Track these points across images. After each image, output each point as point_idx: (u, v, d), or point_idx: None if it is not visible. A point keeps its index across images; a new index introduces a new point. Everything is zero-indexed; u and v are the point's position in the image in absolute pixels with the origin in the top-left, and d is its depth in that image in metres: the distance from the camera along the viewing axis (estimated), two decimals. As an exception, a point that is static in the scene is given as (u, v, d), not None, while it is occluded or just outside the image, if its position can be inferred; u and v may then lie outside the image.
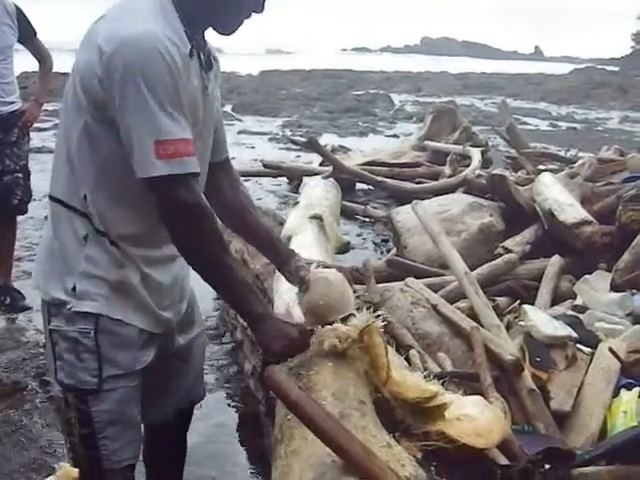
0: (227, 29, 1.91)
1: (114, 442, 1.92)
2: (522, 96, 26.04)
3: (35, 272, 2.00)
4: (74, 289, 1.84)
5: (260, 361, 3.24)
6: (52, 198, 1.91)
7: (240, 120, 16.47)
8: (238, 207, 2.20)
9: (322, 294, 2.10)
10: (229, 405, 3.77)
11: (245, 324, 3.60)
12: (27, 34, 4.59)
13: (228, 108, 18.36)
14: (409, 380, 2.10)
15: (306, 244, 3.53)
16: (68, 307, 1.85)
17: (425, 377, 2.16)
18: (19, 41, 4.55)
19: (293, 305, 2.37)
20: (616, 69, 41.37)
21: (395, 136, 14.73)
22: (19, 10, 4.50)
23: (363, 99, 21.50)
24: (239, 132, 14.34)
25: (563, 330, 3.33)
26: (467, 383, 2.97)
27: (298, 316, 2.26)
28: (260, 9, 1.89)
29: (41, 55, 4.78)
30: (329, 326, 2.04)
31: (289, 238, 3.66)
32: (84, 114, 1.78)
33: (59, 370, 1.90)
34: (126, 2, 1.80)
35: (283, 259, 2.21)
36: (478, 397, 2.47)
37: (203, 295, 4.78)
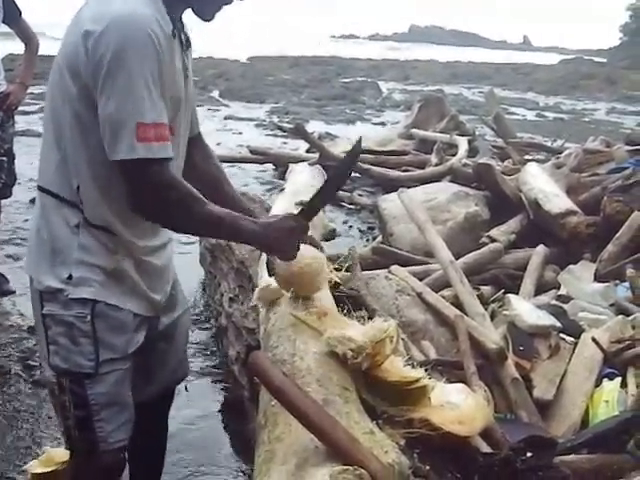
0: (206, 14, 1.92)
1: (109, 424, 1.94)
2: (510, 86, 26.02)
3: (27, 261, 2.01)
4: (70, 277, 1.86)
5: (244, 347, 3.24)
6: (41, 188, 1.91)
7: (227, 106, 16.38)
8: (212, 181, 2.21)
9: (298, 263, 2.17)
10: (213, 391, 3.76)
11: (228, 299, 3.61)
12: (12, 15, 4.51)
13: (215, 94, 18.29)
14: (394, 365, 2.11)
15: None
16: (65, 294, 1.86)
17: (408, 364, 2.18)
18: (4, 21, 4.48)
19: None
20: (604, 60, 41.45)
21: (382, 124, 14.69)
22: None
23: (351, 87, 21.40)
24: (226, 118, 14.27)
25: (547, 319, 3.35)
26: (451, 371, 2.98)
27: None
28: None
29: (27, 36, 4.71)
30: (345, 332, 2.05)
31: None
32: (74, 103, 1.78)
33: (53, 354, 1.91)
34: None
35: None
36: (461, 385, 2.48)
37: (189, 279, 4.81)
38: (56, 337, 1.89)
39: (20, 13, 4.59)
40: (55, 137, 1.85)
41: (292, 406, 1.63)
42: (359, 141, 2.17)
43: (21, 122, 8.59)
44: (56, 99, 1.83)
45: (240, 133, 12.43)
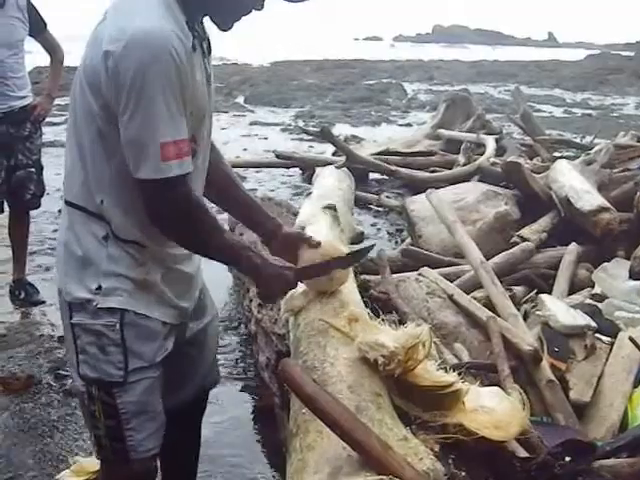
0: (224, 24, 1.90)
1: (139, 433, 1.94)
2: (536, 83, 25.81)
3: (56, 273, 2.02)
4: (99, 288, 1.86)
5: (274, 353, 3.22)
6: (67, 202, 1.92)
7: (252, 111, 16.44)
8: (224, 181, 2.23)
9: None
10: (243, 398, 3.75)
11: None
12: (38, 27, 4.56)
13: (240, 100, 18.37)
14: (427, 370, 2.07)
15: (320, 234, 3.50)
16: (94, 304, 1.87)
17: (441, 368, 2.14)
18: (30, 35, 4.53)
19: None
20: (631, 54, 40.92)
21: (408, 125, 14.63)
22: (30, 3, 4.48)
23: (376, 88, 21.36)
24: (251, 123, 14.30)
25: (581, 319, 3.29)
26: (484, 374, 2.94)
27: None
28: (260, 6, 1.89)
29: (52, 48, 4.75)
30: (376, 338, 2.02)
31: (303, 228, 3.63)
32: (96, 119, 1.78)
33: (82, 364, 1.92)
34: None
35: (272, 229, 2.28)
36: (496, 388, 2.44)
37: (218, 285, 4.81)
38: (85, 346, 1.90)
39: (45, 25, 4.65)
40: (78, 152, 1.85)
41: (324, 414, 1.60)
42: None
43: (48, 133, 8.68)
44: (78, 115, 1.84)
45: (266, 138, 12.46)
